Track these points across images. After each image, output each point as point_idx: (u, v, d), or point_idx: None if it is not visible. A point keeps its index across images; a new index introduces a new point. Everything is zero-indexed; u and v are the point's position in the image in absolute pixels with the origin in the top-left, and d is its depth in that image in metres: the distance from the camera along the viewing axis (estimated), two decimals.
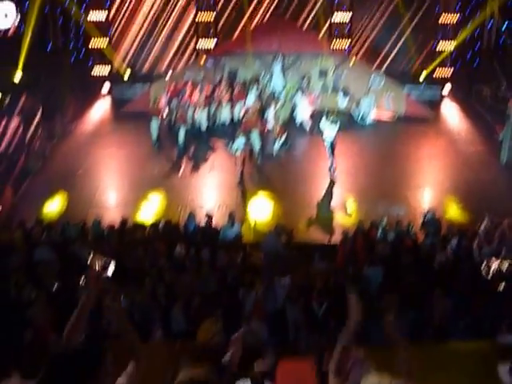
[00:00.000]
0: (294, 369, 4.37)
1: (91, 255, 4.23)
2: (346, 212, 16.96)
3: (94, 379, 3.55)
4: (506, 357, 4.99)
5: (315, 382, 4.19)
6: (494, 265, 12.28)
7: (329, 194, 18.10)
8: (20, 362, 5.21)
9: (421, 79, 24.69)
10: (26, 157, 19.85)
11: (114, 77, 24.83)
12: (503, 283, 11.47)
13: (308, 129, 21.30)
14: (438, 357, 4.78)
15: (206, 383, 3.44)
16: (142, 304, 10.85)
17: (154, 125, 20.52)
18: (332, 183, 18.56)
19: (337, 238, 14.93)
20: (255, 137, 19.78)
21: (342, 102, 22.49)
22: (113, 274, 4.26)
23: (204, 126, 21.32)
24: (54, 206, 17.42)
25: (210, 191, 18.42)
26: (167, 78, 23.00)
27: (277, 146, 20.24)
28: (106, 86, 24.43)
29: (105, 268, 4.25)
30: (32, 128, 20.59)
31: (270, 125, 20.48)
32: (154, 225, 14.87)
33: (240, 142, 18.73)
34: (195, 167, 19.72)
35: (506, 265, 12.27)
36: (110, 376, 3.69)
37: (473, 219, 15.86)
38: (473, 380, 5.22)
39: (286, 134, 20.44)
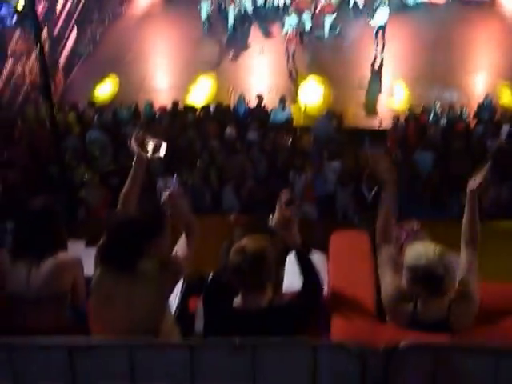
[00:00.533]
0: (348, 237, 4.45)
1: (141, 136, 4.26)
2: (397, 97, 16.68)
3: (153, 243, 3.73)
4: None
5: (370, 250, 4.26)
6: None
7: (379, 78, 17.79)
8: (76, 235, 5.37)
9: None
10: (76, 40, 19.82)
11: None
12: None
13: (361, 8, 20.66)
14: (489, 234, 4.77)
15: (261, 251, 3.52)
16: (193, 185, 11.05)
17: (204, 6, 20.19)
18: (381, 67, 18.19)
19: (387, 122, 14.75)
20: (306, 18, 19.35)
21: None
22: (165, 155, 4.31)
23: (251, 9, 20.87)
24: (105, 89, 17.53)
25: (261, 74, 18.25)
26: None
27: (327, 27, 19.75)
28: None
29: (156, 149, 4.30)
30: (82, 10, 20.45)
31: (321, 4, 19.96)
32: (205, 107, 14.90)
33: (291, 21, 18.36)
34: (246, 50, 19.47)
35: None
36: (166, 242, 3.85)
37: None
38: None
39: (335, 14, 19.88)
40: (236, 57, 19.18)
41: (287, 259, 4.17)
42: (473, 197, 3.89)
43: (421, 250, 3.60)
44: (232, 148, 12.59)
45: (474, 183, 3.90)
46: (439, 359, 3.03)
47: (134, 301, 3.66)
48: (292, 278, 4.03)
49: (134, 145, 4.22)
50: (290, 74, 18.07)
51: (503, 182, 10.84)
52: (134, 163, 4.23)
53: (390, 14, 18.37)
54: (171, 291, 3.86)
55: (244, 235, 3.76)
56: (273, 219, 3.92)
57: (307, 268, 3.83)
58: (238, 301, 3.62)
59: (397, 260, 3.83)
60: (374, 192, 11.00)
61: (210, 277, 3.94)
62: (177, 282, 3.89)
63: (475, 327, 3.70)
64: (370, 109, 16.44)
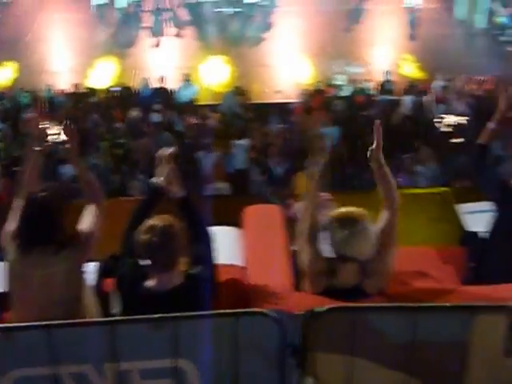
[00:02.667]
0: (261, 211, 4.46)
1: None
2: (302, 72, 16.81)
3: (61, 219, 3.76)
4: (463, 200, 5.17)
5: (283, 222, 4.29)
6: (450, 120, 12.54)
7: (283, 54, 17.90)
8: None
9: None
10: None
11: None
12: (459, 137, 11.75)
13: None
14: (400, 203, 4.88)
15: (169, 227, 3.48)
16: (99, 168, 10.84)
17: None
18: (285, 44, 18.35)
19: (293, 96, 14.87)
20: None
21: None
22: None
23: None
24: (4, 74, 16.90)
25: (164, 54, 18.00)
26: None
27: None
28: None
29: (57, 134, 4.24)
30: None
31: None
32: (109, 90, 14.63)
33: None
34: (147, 31, 19.19)
35: (462, 120, 12.54)
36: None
37: (428, 76, 15.92)
38: (432, 220, 5.47)
39: None
40: (138, 38, 18.82)
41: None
42: (376, 161, 3.88)
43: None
44: (137, 131, 12.40)
45: (377, 151, 3.89)
46: (356, 320, 3.08)
47: (51, 278, 3.66)
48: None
49: (30, 130, 4.16)
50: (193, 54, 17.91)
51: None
52: (30, 148, 4.14)
53: None
54: (84, 263, 3.85)
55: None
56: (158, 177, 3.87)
57: (194, 219, 3.80)
58: (151, 281, 3.57)
59: (313, 230, 3.85)
60: (283, 167, 11.13)
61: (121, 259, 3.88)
62: (88, 253, 3.86)
63: (390, 290, 3.78)
64: (274, 84, 16.50)
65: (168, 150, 3.90)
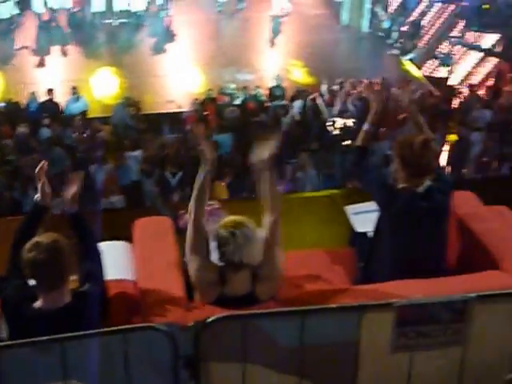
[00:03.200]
0: (151, 224, 4.42)
1: None
2: (193, 81, 16.82)
3: None
4: (352, 201, 5.28)
5: (173, 234, 4.27)
6: (339, 123, 12.86)
7: (174, 64, 17.85)
8: None
9: None
10: None
11: None
12: (349, 139, 12.05)
13: None
14: (289, 207, 4.96)
15: (55, 243, 3.39)
16: None
17: None
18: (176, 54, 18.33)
19: (185, 106, 14.86)
20: None
21: None
22: None
23: None
24: None
25: (52, 68, 17.56)
26: None
27: None
28: None
29: None
30: None
31: None
32: None
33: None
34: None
35: (350, 123, 12.88)
36: None
37: (317, 81, 16.26)
38: (321, 222, 5.58)
39: None
40: (23, 52, 18.28)
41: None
42: (265, 167, 3.88)
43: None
44: (26, 147, 12.07)
45: (263, 154, 3.88)
46: (247, 327, 3.10)
47: None
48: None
49: None
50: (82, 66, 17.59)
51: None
52: None
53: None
54: None
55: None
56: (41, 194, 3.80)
57: (84, 235, 3.75)
58: (38, 301, 3.46)
59: (201, 241, 3.83)
60: (177, 177, 11.10)
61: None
62: None
63: (282, 295, 3.83)
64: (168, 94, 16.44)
65: (44, 165, 3.82)
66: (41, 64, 17.54)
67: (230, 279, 3.67)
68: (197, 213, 3.82)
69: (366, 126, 4.42)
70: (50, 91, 14.57)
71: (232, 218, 3.71)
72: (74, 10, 19.07)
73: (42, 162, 3.85)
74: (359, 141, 4.40)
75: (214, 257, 3.73)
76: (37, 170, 3.81)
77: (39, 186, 3.78)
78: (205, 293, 3.72)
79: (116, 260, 4.16)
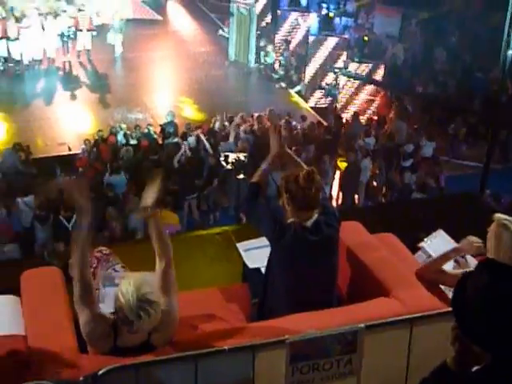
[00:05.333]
0: (39, 275, 4.30)
1: None
2: (83, 122, 16.63)
3: None
4: (245, 237, 5.33)
5: (63, 285, 4.17)
6: (231, 157, 12.95)
7: (64, 108, 17.62)
8: None
9: None
10: None
11: None
12: (241, 174, 12.15)
13: None
14: (181, 247, 4.97)
15: None
16: None
17: None
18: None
19: (77, 148, 14.66)
20: None
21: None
22: None
23: None
24: None
25: None
26: None
27: None
28: None
29: None
30: None
31: None
32: None
33: None
34: None
35: (242, 157, 13.00)
36: None
37: (207, 117, 16.43)
38: (215, 261, 5.60)
39: None
40: None
41: None
42: (151, 213, 3.83)
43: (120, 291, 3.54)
44: None
45: (148, 199, 3.84)
46: (141, 376, 3.08)
47: None
48: None
49: None
50: None
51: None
52: None
53: None
54: None
55: None
56: None
57: None
58: None
59: (87, 296, 3.71)
60: (73, 221, 10.87)
61: None
62: None
63: (178, 337, 3.80)
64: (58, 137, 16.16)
65: None
66: None
67: (125, 332, 3.57)
68: (81, 266, 3.68)
69: (264, 166, 4.49)
70: None
71: (133, 287, 3.45)
72: None
73: None
74: (255, 177, 4.47)
75: (107, 305, 3.65)
76: None
77: None
78: (96, 345, 3.61)
79: (4, 314, 4.04)
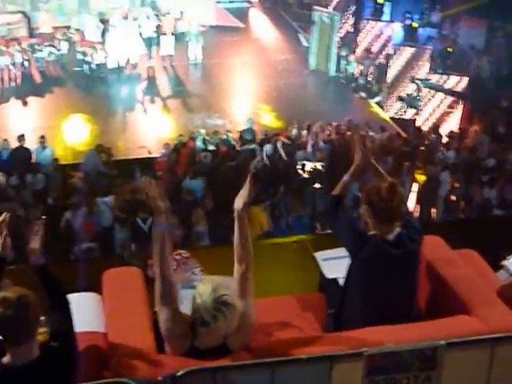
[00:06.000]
0: (120, 275, 4.40)
1: None
2: (163, 127, 16.91)
3: None
4: (322, 247, 5.31)
5: (143, 285, 4.25)
6: (308, 166, 12.92)
7: (144, 111, 17.98)
8: None
9: None
10: None
11: None
12: (318, 183, 12.12)
13: None
14: (258, 254, 4.97)
15: (24, 298, 3.36)
16: None
17: None
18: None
19: (157, 152, 14.91)
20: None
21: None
22: None
23: None
24: None
25: (22, 116, 17.56)
26: None
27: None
28: None
29: None
30: None
31: None
32: None
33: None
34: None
35: (319, 166, 12.96)
36: None
37: (285, 124, 16.45)
38: (291, 269, 5.60)
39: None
40: None
41: None
42: (239, 215, 3.87)
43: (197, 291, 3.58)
44: (2, 194, 12.00)
45: (239, 202, 3.88)
46: (217, 380, 3.10)
47: None
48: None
49: None
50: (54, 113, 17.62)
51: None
52: None
53: None
54: None
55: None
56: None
57: (52, 287, 3.69)
58: (6, 357, 3.41)
59: (169, 294, 3.79)
60: (148, 223, 11.04)
61: None
62: None
63: (253, 344, 3.81)
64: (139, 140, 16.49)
65: (5, 217, 3.77)
66: (15, 111, 17.59)
67: (202, 334, 3.62)
68: (162, 265, 3.76)
69: (346, 177, 4.45)
70: (20, 137, 14.50)
71: (210, 288, 3.52)
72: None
73: (4, 214, 3.81)
74: (337, 190, 4.42)
75: (185, 307, 3.69)
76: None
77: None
78: (175, 345, 3.68)
79: (86, 312, 4.13)
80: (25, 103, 18.03)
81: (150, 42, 19.96)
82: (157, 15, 20.74)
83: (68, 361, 3.50)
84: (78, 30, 19.72)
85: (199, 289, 3.58)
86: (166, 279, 3.77)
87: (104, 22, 20.16)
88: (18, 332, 3.35)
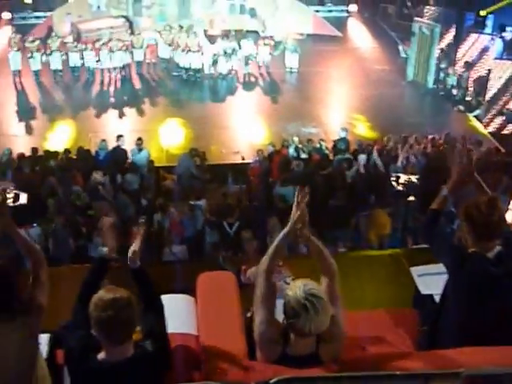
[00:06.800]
0: (215, 279, 4.44)
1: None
2: (257, 133, 17.01)
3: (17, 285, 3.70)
4: (415, 262, 5.22)
5: (237, 290, 4.27)
6: (403, 178, 12.74)
7: (239, 116, 18.13)
8: None
9: None
10: None
11: (15, 2, 23.31)
12: (411, 195, 11.94)
13: None
14: (350, 265, 4.93)
15: (128, 301, 3.42)
16: (56, 231, 10.73)
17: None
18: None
19: (250, 157, 15.00)
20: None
21: (250, 23, 22.26)
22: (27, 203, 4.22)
23: None
24: None
25: (120, 118, 18.07)
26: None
27: None
28: (7, 15, 22.85)
29: (16, 198, 4.19)
30: None
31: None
32: (67, 152, 14.53)
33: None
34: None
35: (413, 179, 12.76)
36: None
37: (379, 135, 16.26)
38: (384, 283, 5.51)
39: None
40: (95, 102, 18.88)
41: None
42: (302, 234, 3.90)
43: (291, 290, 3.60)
44: (97, 193, 12.33)
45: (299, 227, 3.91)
46: None
47: (5, 348, 3.57)
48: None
49: None
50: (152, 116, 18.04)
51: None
52: None
53: None
54: (38, 331, 3.78)
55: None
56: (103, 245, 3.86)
57: (147, 289, 3.79)
58: (102, 353, 3.49)
59: (269, 296, 3.82)
60: (234, 228, 11.08)
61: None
62: (40, 319, 3.78)
63: (345, 356, 3.77)
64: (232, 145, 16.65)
65: (109, 219, 3.89)
66: (119, 115, 18.15)
67: (294, 340, 3.62)
68: (270, 267, 3.84)
69: (444, 191, 4.35)
70: (119, 137, 14.87)
71: (301, 283, 3.58)
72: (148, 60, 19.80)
73: (109, 218, 3.92)
74: (435, 204, 4.33)
75: (277, 316, 3.70)
76: (104, 224, 3.89)
77: (106, 240, 3.85)
78: (266, 351, 3.68)
79: (179, 313, 4.19)
80: (123, 106, 18.53)
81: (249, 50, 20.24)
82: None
83: (161, 360, 3.56)
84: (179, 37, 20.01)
85: (290, 286, 3.64)
86: (269, 281, 3.82)
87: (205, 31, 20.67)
88: (118, 332, 3.42)
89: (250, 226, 10.54)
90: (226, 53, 19.74)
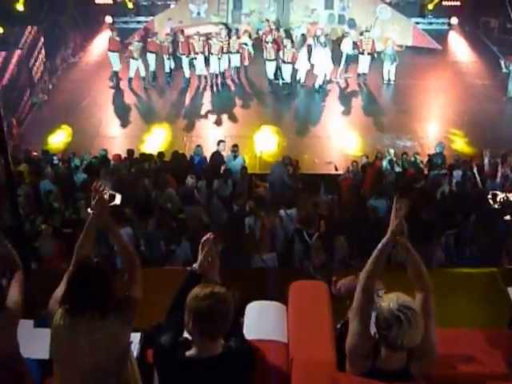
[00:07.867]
0: (307, 288, 4.45)
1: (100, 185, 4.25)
2: (351, 144, 16.91)
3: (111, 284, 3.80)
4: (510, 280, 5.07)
5: (328, 300, 4.26)
6: (500, 196, 12.35)
7: (332, 126, 18.08)
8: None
9: (428, 10, 24.24)
10: (30, 90, 19.66)
11: (118, 7, 24.16)
12: (508, 214, 11.56)
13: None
14: (445, 282, 4.85)
15: (225, 298, 3.47)
16: (148, 234, 10.95)
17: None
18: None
19: (343, 169, 14.91)
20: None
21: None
22: (121, 204, 4.35)
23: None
24: (59, 138, 17.37)
25: (215, 124, 18.34)
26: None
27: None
28: (109, 18, 23.71)
29: (112, 198, 4.31)
30: (35, 60, 20.37)
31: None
32: (161, 155, 14.85)
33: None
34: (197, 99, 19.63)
35: (511, 198, 12.36)
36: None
37: (478, 151, 15.85)
38: (479, 302, 5.37)
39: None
40: (190, 107, 19.24)
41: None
42: (402, 244, 3.88)
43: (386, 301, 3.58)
44: (190, 197, 12.53)
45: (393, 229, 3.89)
46: None
47: (98, 345, 3.69)
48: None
49: (95, 196, 4.19)
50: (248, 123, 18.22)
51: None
52: (92, 214, 4.19)
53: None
54: (130, 329, 3.89)
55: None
56: (198, 262, 3.89)
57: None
58: (191, 350, 3.54)
59: (366, 309, 3.80)
60: (314, 238, 10.99)
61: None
62: (133, 319, 3.90)
63: (435, 374, 3.70)
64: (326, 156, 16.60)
65: (210, 236, 3.92)
66: (214, 121, 18.42)
67: (385, 354, 3.58)
68: (370, 278, 3.83)
69: None
70: (220, 142, 15.08)
71: (394, 295, 3.58)
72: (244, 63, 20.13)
73: (209, 234, 3.95)
74: None
75: (371, 325, 3.67)
76: (205, 239, 3.92)
77: (202, 255, 3.89)
78: (356, 364, 3.67)
79: (271, 320, 4.21)
80: (219, 111, 18.79)
81: (347, 59, 20.19)
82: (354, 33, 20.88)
83: (246, 361, 3.58)
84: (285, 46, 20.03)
85: (383, 297, 3.64)
86: (369, 292, 3.83)
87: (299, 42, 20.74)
88: (215, 324, 3.45)
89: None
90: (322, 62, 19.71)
